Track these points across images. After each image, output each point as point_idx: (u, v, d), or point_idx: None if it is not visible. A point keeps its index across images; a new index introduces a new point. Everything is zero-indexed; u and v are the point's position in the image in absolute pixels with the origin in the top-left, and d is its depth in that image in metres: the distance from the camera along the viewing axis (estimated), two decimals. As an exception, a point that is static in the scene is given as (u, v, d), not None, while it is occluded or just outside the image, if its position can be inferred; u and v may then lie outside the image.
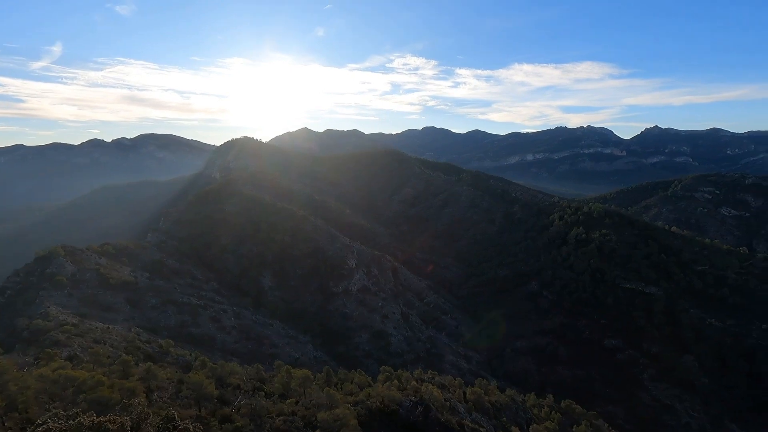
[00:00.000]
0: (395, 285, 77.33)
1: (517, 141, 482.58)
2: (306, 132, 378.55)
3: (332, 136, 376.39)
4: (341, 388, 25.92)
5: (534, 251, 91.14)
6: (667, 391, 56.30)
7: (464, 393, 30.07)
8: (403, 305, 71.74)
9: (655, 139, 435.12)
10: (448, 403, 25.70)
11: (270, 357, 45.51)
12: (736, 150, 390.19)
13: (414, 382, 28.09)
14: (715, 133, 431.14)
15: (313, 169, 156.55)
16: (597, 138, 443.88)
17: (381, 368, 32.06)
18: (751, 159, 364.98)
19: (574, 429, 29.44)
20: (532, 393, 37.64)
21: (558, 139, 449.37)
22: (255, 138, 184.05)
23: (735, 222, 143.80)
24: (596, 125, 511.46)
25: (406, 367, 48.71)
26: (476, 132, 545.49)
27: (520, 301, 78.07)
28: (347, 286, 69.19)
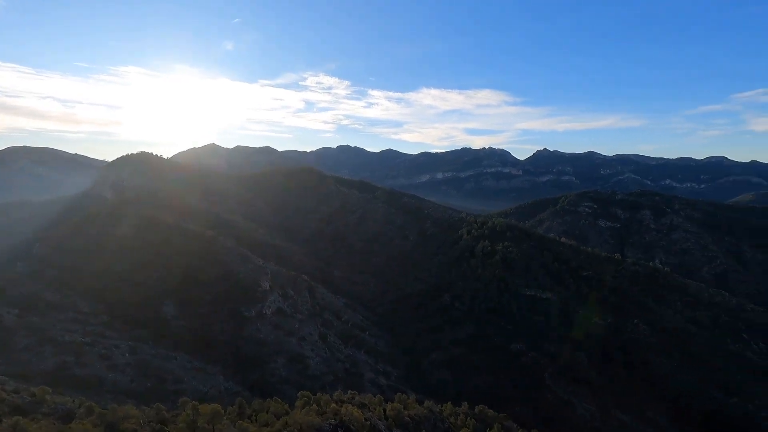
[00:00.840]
0: (312, 305, 75.52)
1: (427, 160, 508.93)
2: (213, 148, 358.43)
3: (243, 153, 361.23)
4: (256, 420, 24.28)
5: (446, 265, 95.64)
6: (566, 387, 62.06)
7: (384, 410, 30.08)
8: (321, 325, 70.23)
9: (545, 160, 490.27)
10: (368, 422, 25.46)
11: (174, 394, 41.18)
12: (608, 170, 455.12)
13: (333, 405, 27.41)
14: (590, 155, 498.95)
15: (223, 187, 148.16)
16: (497, 159, 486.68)
17: (299, 393, 30.76)
18: (619, 178, 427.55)
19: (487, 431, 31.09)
20: (449, 402, 38.93)
21: (464, 159, 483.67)
22: (155, 154, 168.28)
23: (610, 232, 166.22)
24: (496, 147, 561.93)
25: (326, 389, 47.43)
26: (389, 151, 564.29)
27: (434, 313, 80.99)
28: (261, 309, 65.87)
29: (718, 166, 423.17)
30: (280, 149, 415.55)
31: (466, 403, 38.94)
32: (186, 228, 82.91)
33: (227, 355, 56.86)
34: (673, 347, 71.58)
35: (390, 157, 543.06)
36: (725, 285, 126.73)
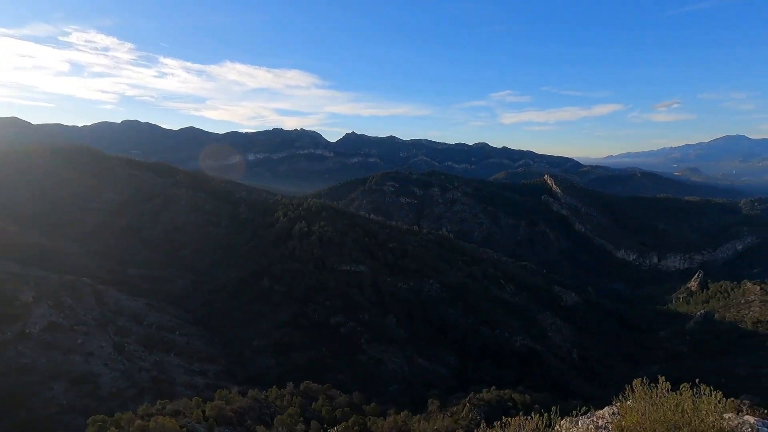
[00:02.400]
0: (102, 312, 63.01)
1: (237, 141, 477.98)
2: None
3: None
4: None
5: (263, 249, 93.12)
6: (379, 348, 69.29)
7: (203, 411, 27.85)
8: (116, 334, 59.43)
9: (353, 143, 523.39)
10: (184, 429, 23.19)
11: None
12: (406, 153, 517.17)
13: (139, 421, 23.88)
14: (392, 139, 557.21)
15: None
16: (309, 140, 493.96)
17: (89, 420, 25.59)
18: (414, 160, 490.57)
19: (313, 405, 32.33)
20: (274, 387, 38.75)
21: (276, 140, 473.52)
22: None
23: (409, 207, 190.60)
24: (308, 128, 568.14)
25: (127, 406, 40.76)
26: (192, 129, 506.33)
27: (254, 300, 78.37)
28: (23, 328, 51.38)
29: (482, 151, 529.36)
30: (35, 122, 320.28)
31: (291, 383, 39.46)
32: None
33: (-30, 397, 42.56)
34: (457, 299, 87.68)
35: (193, 136, 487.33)
36: (490, 244, 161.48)
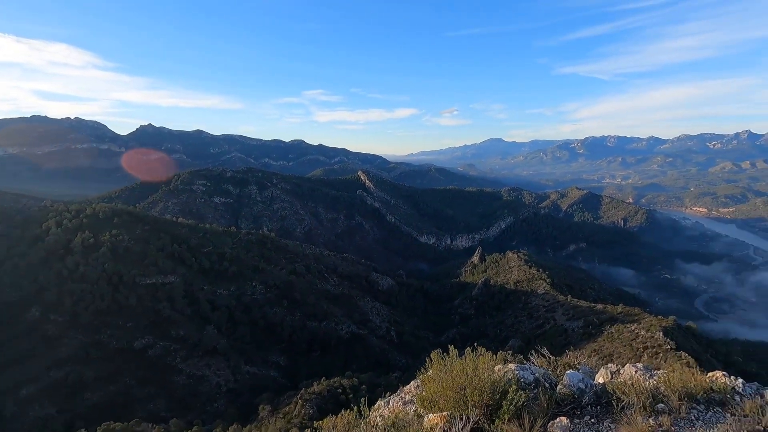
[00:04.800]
0: None
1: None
2: None
3: None
4: None
5: (28, 271, 72.88)
6: (198, 364, 62.91)
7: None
8: None
9: (151, 137, 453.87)
10: None
11: None
12: (217, 149, 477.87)
13: None
14: (200, 134, 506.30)
15: None
16: (90, 132, 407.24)
17: None
18: (227, 156, 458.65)
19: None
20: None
21: (39, 131, 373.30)
22: None
23: (224, 208, 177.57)
24: (88, 118, 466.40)
25: None
26: None
27: (19, 337, 60.74)
28: None
29: (299, 147, 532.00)
30: None
31: (83, 430, 32.29)
32: None
33: None
34: (283, 298, 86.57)
35: None
36: (312, 239, 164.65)
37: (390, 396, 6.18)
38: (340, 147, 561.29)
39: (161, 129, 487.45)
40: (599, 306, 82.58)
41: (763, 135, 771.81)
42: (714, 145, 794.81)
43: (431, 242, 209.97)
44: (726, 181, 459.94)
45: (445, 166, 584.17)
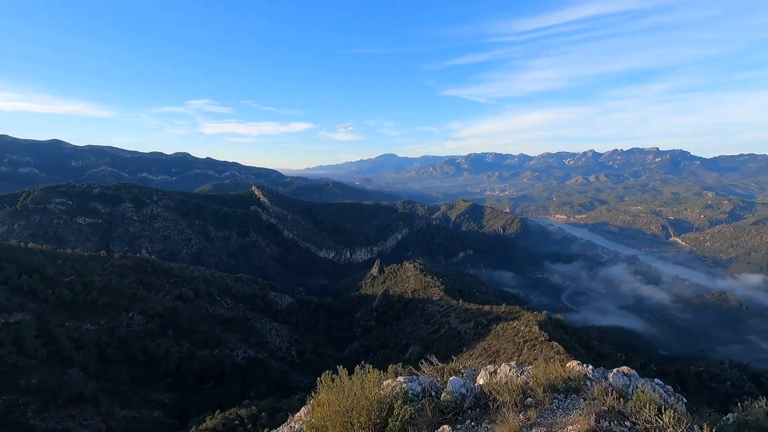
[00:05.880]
0: None
1: None
2: None
3: None
4: None
5: None
6: (57, 416, 53.02)
7: None
8: None
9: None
10: None
11: None
12: (81, 162, 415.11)
13: None
14: (57, 144, 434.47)
15: None
16: None
17: None
18: (94, 170, 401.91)
19: None
20: None
21: None
22: None
23: (91, 229, 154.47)
24: None
25: None
26: None
27: None
28: None
29: (184, 161, 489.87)
30: None
31: None
32: None
33: None
34: (167, 327, 77.88)
35: None
36: (200, 261, 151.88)
37: (281, 426, 5.82)
38: (231, 161, 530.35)
39: (3, 137, 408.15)
40: (486, 307, 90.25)
41: (603, 154, 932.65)
42: (569, 162, 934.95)
43: (331, 257, 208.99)
44: (579, 192, 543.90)
45: (342, 180, 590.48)
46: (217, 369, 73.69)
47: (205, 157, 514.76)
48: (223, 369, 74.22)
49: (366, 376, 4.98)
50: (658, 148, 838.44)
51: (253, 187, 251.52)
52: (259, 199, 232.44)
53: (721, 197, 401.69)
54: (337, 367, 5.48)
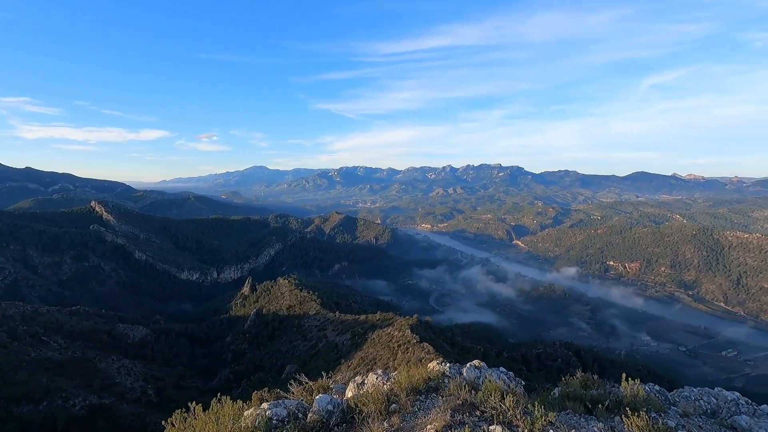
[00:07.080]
0: None
1: None
2: None
3: None
4: None
5: None
6: None
7: None
8: None
9: None
10: None
11: None
12: None
13: None
14: None
15: None
16: None
17: None
18: None
19: None
20: None
21: None
22: None
23: None
24: None
25: None
26: None
27: None
28: None
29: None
30: None
31: None
32: None
33: None
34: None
35: None
36: (19, 294, 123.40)
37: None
38: (61, 172, 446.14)
39: None
40: (362, 317, 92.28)
41: (458, 168, 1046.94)
42: (431, 176, 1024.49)
43: (195, 278, 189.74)
44: (440, 203, 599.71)
45: (206, 194, 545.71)
46: (45, 426, 59.99)
47: (23, 166, 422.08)
48: (54, 426, 60.78)
49: (222, 409, 4.51)
50: (501, 164, 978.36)
51: (94, 202, 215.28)
52: (101, 216, 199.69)
53: (547, 206, 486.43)
54: (189, 404, 4.86)
